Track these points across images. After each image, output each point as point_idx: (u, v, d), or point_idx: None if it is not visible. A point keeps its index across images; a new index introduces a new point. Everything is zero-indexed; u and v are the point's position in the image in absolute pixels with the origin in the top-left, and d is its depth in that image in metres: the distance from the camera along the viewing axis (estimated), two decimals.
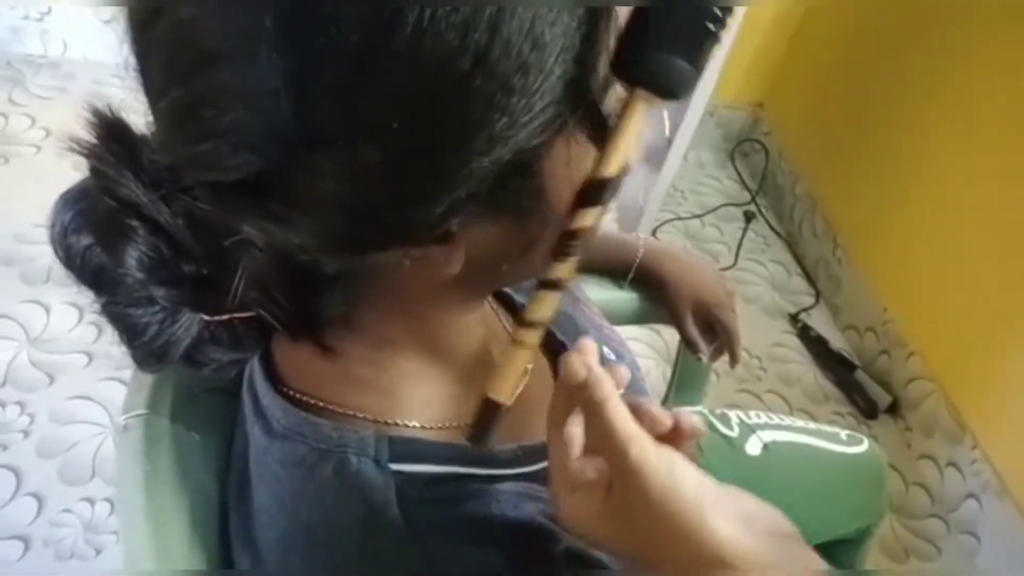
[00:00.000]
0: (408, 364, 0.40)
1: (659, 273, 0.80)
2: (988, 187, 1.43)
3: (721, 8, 0.29)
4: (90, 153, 0.32)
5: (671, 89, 0.30)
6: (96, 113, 0.33)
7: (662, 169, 1.65)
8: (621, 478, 0.32)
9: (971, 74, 1.50)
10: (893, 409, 1.58)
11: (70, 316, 1.40)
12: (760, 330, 1.74)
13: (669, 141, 1.62)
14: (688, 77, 0.30)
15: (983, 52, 1.47)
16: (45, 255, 1.50)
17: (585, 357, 0.35)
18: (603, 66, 0.31)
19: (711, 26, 0.29)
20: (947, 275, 1.52)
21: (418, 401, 0.40)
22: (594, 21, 0.28)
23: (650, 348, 1.60)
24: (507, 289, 0.54)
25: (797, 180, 2.01)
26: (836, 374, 1.65)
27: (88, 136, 0.33)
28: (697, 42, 0.29)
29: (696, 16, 0.29)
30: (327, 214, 0.28)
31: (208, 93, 0.26)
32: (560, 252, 0.32)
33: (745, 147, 2.24)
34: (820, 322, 1.78)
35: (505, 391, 0.33)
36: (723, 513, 0.31)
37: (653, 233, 1.92)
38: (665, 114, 1.69)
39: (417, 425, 0.39)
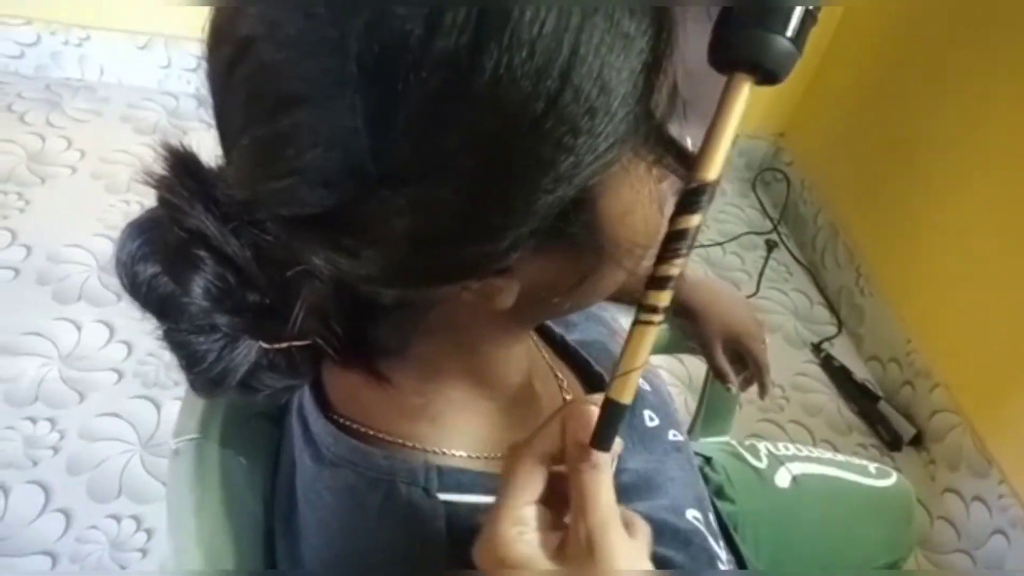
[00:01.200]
0: (456, 394, 0.41)
1: (689, 303, 0.80)
2: (1014, 215, 1.43)
3: None
4: (161, 185, 0.34)
5: (773, 69, 0.28)
6: (168, 147, 0.34)
7: None
8: (581, 548, 0.31)
9: (994, 101, 1.50)
10: (917, 441, 1.57)
11: (101, 334, 1.43)
12: (783, 360, 1.73)
13: None
14: (790, 56, 0.28)
15: (1009, 78, 1.47)
16: (77, 274, 1.53)
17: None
18: (666, 101, 0.32)
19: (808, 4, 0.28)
20: (972, 306, 1.51)
21: (465, 431, 0.41)
22: (658, 61, 0.29)
23: (671, 375, 1.59)
24: (548, 322, 0.54)
25: (819, 210, 2.01)
26: (859, 405, 1.64)
27: (159, 169, 0.34)
28: (795, 19, 0.28)
29: None
30: (396, 248, 0.29)
31: (290, 132, 0.27)
32: (666, 254, 0.30)
33: (767, 176, 2.25)
34: (843, 352, 1.77)
35: (627, 394, 0.32)
36: None
37: None
38: (688, 142, 1.71)
39: (464, 455, 0.40)
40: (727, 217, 2.13)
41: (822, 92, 2.09)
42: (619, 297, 0.59)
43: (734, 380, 0.81)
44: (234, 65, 0.28)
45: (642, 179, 0.32)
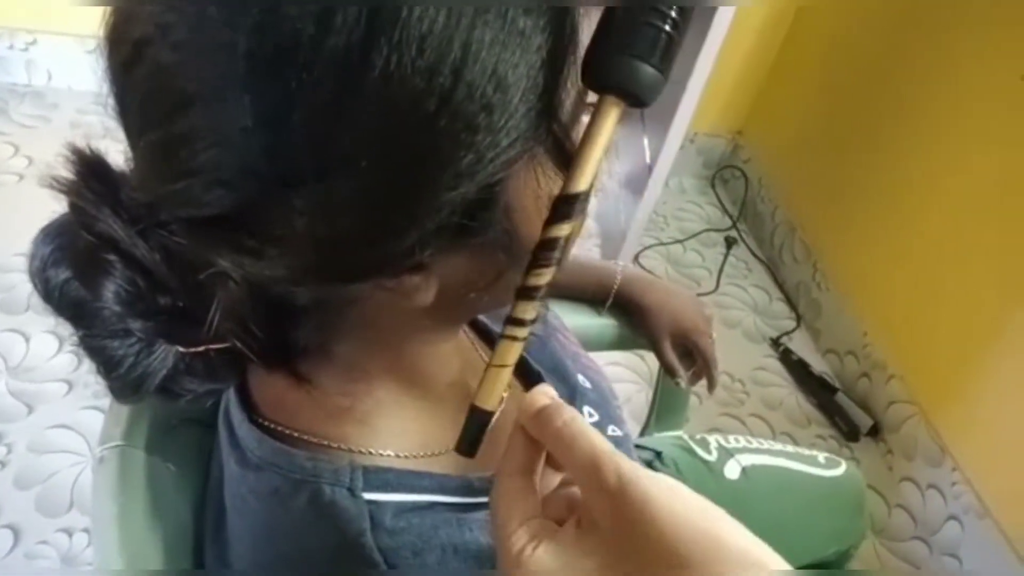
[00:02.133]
0: (383, 394, 0.40)
1: (638, 300, 0.81)
2: (966, 210, 1.46)
3: (681, 12, 0.29)
4: (69, 190, 0.33)
5: (639, 94, 0.30)
6: (76, 151, 0.34)
7: (644, 195, 1.68)
8: (607, 500, 0.28)
9: (946, 99, 1.54)
10: (874, 432, 1.60)
11: (50, 345, 1.39)
12: (742, 354, 1.76)
13: (650, 168, 1.64)
14: (655, 82, 0.30)
15: (958, 76, 1.51)
16: (25, 284, 1.48)
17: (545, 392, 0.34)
18: (570, 97, 0.32)
19: (674, 30, 0.29)
20: (926, 298, 1.54)
21: (393, 431, 0.41)
22: (558, 57, 0.30)
23: (633, 372, 1.61)
24: (483, 319, 0.54)
25: (777, 207, 2.04)
26: (818, 397, 1.67)
27: (68, 173, 0.33)
28: (663, 46, 0.29)
29: (660, 20, 0.29)
30: (299, 247, 0.29)
31: (184, 134, 0.27)
32: (536, 263, 0.31)
33: (725, 174, 2.28)
34: (801, 346, 1.80)
35: (491, 400, 0.33)
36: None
37: (636, 258, 1.94)
38: (646, 141, 1.72)
39: (392, 454, 0.40)
40: (687, 215, 2.15)
41: (778, 90, 2.12)
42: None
43: (683, 375, 0.82)
44: (129, 67, 0.28)
45: (549, 176, 0.32)
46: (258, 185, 0.27)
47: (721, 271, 1.97)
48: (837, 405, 1.63)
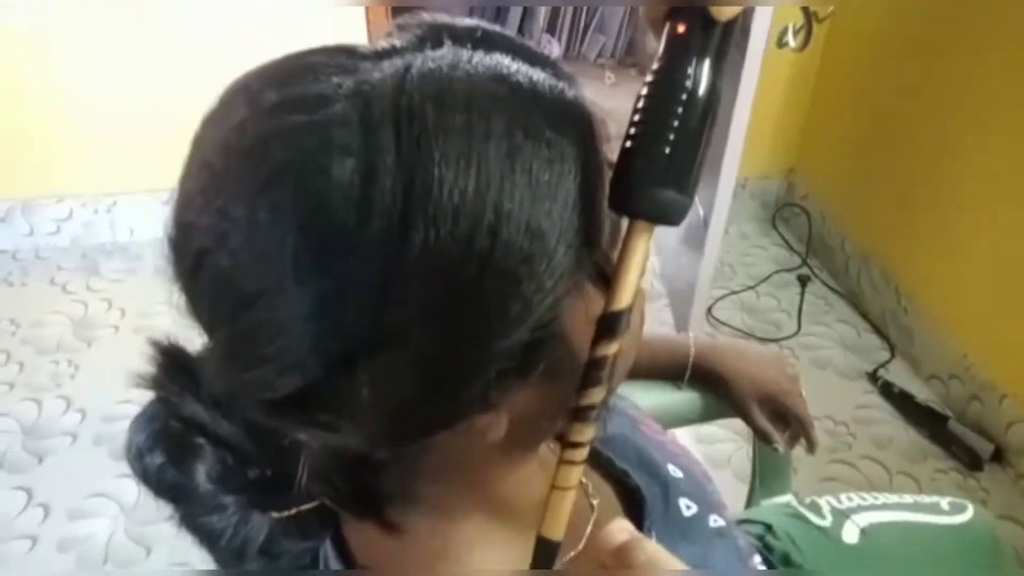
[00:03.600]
0: (473, 529, 0.41)
1: (717, 369, 0.79)
2: None
3: (701, 136, 0.30)
4: (153, 383, 0.36)
5: (667, 219, 0.31)
6: (155, 344, 0.36)
7: (705, 248, 1.66)
8: None
9: (999, 97, 1.48)
10: (999, 457, 1.49)
11: None
12: (840, 394, 1.68)
13: (705, 220, 1.63)
14: (681, 206, 0.31)
15: (1011, 72, 1.45)
16: None
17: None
18: (608, 221, 0.33)
19: (694, 154, 0.31)
20: (1020, 307, 1.45)
21: (488, 564, 0.41)
22: (589, 197, 0.31)
23: (730, 431, 1.55)
24: None
25: (845, 238, 1.99)
26: (929, 428, 1.57)
27: (150, 367, 0.36)
28: (685, 173, 0.31)
29: (683, 150, 0.30)
30: (369, 416, 0.30)
31: (250, 328, 0.29)
32: (587, 382, 0.32)
33: (785, 212, 2.24)
34: (901, 376, 1.71)
35: (557, 529, 0.33)
36: None
37: (709, 311, 1.90)
38: (697, 197, 1.72)
39: None
40: (753, 260, 2.11)
41: (823, 120, 2.09)
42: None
43: (779, 439, 0.79)
44: (194, 274, 0.30)
45: (596, 295, 0.33)
46: (323, 365, 0.29)
47: (800, 311, 1.91)
48: (951, 434, 1.53)
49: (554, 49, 3.32)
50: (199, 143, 0.31)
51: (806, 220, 2.13)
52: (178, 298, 0.32)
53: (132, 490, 1.45)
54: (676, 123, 0.30)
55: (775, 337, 1.84)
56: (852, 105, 1.97)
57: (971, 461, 1.49)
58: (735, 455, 1.51)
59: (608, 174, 0.32)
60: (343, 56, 0.31)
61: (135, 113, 1.98)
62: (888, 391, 1.66)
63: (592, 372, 0.32)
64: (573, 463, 0.32)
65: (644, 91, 0.31)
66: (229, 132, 0.30)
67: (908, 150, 1.76)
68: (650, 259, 0.35)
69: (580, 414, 0.32)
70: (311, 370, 0.29)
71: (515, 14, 3.28)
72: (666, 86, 0.31)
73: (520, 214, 0.28)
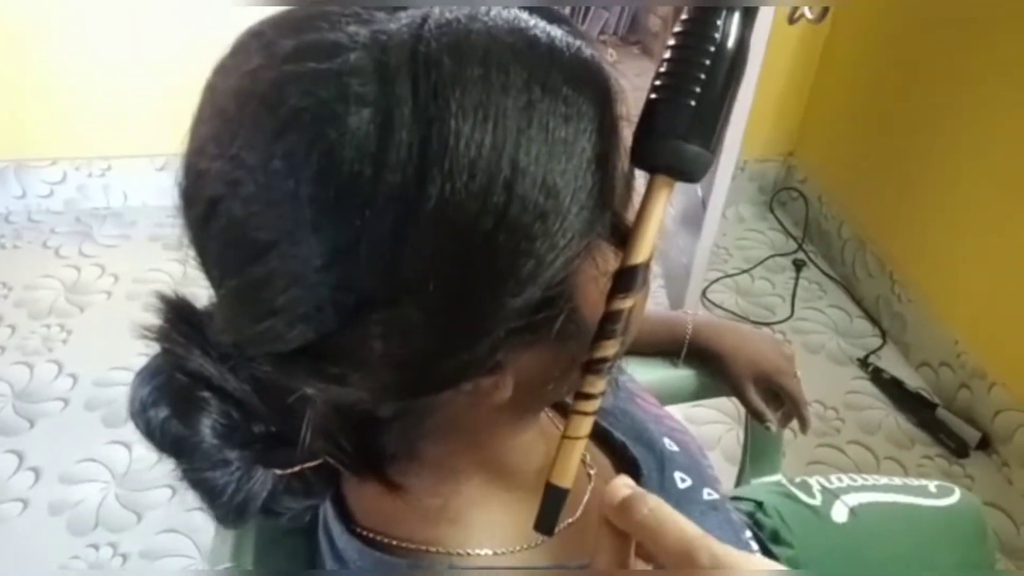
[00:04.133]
0: (473, 491, 0.41)
1: (714, 347, 0.79)
2: None
3: (727, 90, 0.30)
4: (159, 335, 0.35)
5: (690, 173, 0.31)
6: (162, 297, 0.36)
7: (702, 230, 1.66)
8: None
9: (1003, 84, 1.48)
10: (985, 445, 1.50)
11: (151, 452, 1.45)
12: (831, 379, 1.69)
13: (704, 201, 1.63)
14: (704, 160, 0.31)
15: (1006, 68, 1.45)
16: (124, 395, 1.57)
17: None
18: (621, 182, 0.33)
19: (719, 108, 0.30)
20: (1012, 297, 1.46)
21: (487, 527, 0.41)
22: (604, 155, 0.31)
23: (720, 412, 1.57)
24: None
25: (842, 223, 1.99)
26: (918, 415, 1.58)
27: (157, 319, 0.36)
28: (710, 128, 0.30)
29: (709, 104, 0.30)
30: (379, 369, 0.30)
31: (262, 278, 0.29)
32: (601, 335, 0.32)
33: (783, 196, 2.24)
34: (891, 363, 1.72)
35: (567, 476, 0.33)
36: None
37: (704, 293, 1.91)
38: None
39: (489, 552, 0.40)
40: (749, 243, 2.12)
41: (824, 105, 2.09)
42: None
43: (772, 418, 0.79)
44: (205, 222, 0.30)
45: (608, 258, 0.33)
46: (335, 317, 0.29)
47: (794, 296, 1.92)
48: (939, 421, 1.55)
49: None
50: (211, 90, 0.31)
51: (803, 204, 2.13)
52: (186, 250, 0.32)
53: (124, 456, 1.45)
54: (703, 76, 0.30)
55: (768, 321, 1.85)
56: (852, 92, 1.97)
57: (958, 448, 1.51)
58: (725, 436, 1.53)
59: (624, 135, 0.32)
60: (358, 5, 0.30)
61: (132, 76, 1.95)
62: (878, 377, 1.67)
63: (607, 325, 0.32)
64: (585, 413, 0.32)
65: (672, 42, 0.31)
66: (242, 79, 0.29)
67: (907, 139, 1.76)
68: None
69: (593, 366, 0.32)
70: (323, 322, 0.29)
71: None
72: (695, 38, 0.30)
73: (536, 170, 0.28)
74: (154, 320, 0.36)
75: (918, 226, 1.73)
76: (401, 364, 0.30)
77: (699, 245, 1.68)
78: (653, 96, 0.31)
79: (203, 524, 1.34)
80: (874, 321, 1.84)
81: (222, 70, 0.31)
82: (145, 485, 1.40)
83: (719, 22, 0.30)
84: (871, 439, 1.56)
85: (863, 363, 1.72)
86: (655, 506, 0.31)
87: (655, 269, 1.97)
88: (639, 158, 0.32)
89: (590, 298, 0.33)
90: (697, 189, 1.67)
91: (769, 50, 1.43)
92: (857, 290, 1.92)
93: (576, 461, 0.33)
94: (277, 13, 0.31)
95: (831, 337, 1.81)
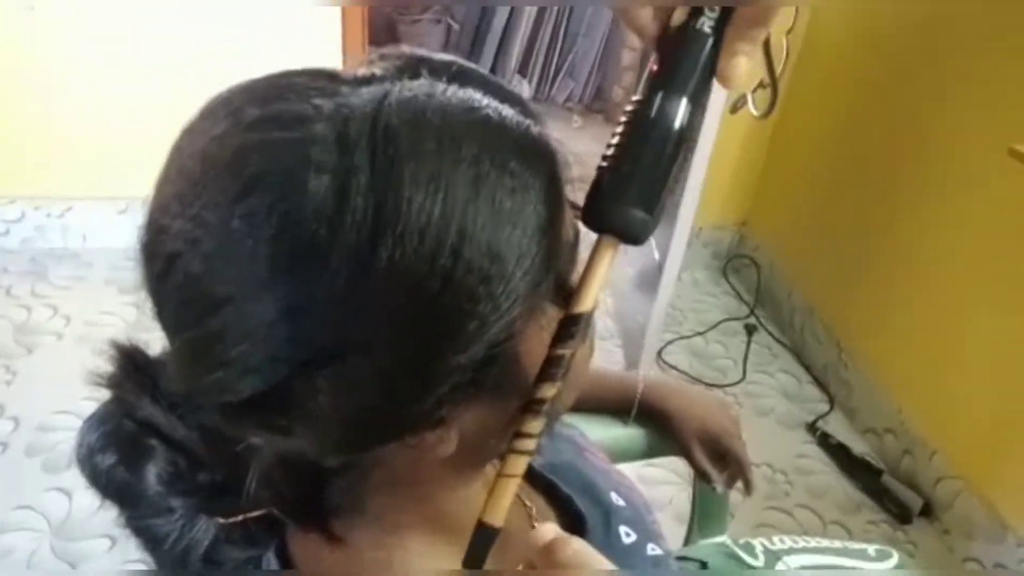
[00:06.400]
0: (416, 544, 0.42)
1: (662, 407, 0.81)
2: (982, 273, 1.46)
3: (671, 165, 0.33)
4: (111, 383, 0.36)
5: (633, 237, 0.34)
6: (115, 345, 0.37)
7: (658, 292, 1.70)
8: None
9: (955, 162, 1.56)
10: (927, 511, 1.54)
11: (92, 500, 1.40)
12: (780, 443, 1.72)
13: (660, 265, 1.68)
14: (647, 225, 0.34)
15: (961, 141, 1.53)
16: (66, 442, 1.53)
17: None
18: (567, 246, 0.35)
19: (663, 180, 0.33)
20: (954, 367, 1.52)
21: None
22: (549, 225, 0.33)
23: (671, 472, 1.58)
24: None
25: (791, 291, 2.06)
26: (863, 480, 1.62)
27: (109, 366, 0.37)
28: (653, 196, 0.33)
29: (653, 175, 0.33)
30: (324, 422, 0.31)
31: (216, 332, 0.30)
32: (541, 378, 0.34)
33: (736, 263, 2.31)
34: (839, 428, 1.77)
35: (498, 515, 0.34)
36: None
37: (659, 354, 1.94)
38: (653, 241, 1.77)
39: None
40: (704, 307, 2.17)
41: (776, 177, 2.18)
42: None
43: (717, 479, 0.81)
44: (164, 277, 0.31)
45: (553, 321, 0.35)
46: (284, 370, 0.30)
47: (746, 360, 1.97)
48: (884, 487, 1.58)
49: (524, 90, 3.39)
50: (178, 151, 0.32)
51: (755, 271, 2.20)
52: (141, 294, 0.33)
53: (63, 504, 1.40)
54: (649, 149, 0.33)
55: (721, 383, 1.88)
56: (804, 166, 2.06)
57: (901, 514, 1.54)
58: (676, 496, 1.54)
59: (567, 207, 0.34)
60: (324, 79, 0.32)
61: (98, 119, 1.95)
62: (826, 442, 1.71)
63: (548, 369, 0.34)
64: (521, 452, 0.34)
65: (624, 118, 0.34)
66: (209, 142, 0.31)
67: (856, 212, 1.84)
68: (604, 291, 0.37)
69: (532, 407, 0.34)
70: (272, 374, 0.30)
71: (488, 54, 3.35)
72: (642, 116, 0.33)
73: (482, 237, 0.30)
74: (106, 366, 0.36)
75: (865, 296, 1.80)
76: (347, 418, 0.31)
77: (655, 306, 1.72)
78: (603, 164, 0.34)
79: None
80: (822, 387, 1.89)
81: (190, 132, 0.33)
82: (83, 535, 1.35)
83: (668, 104, 0.33)
84: (818, 503, 1.58)
85: (811, 428, 1.76)
86: (579, 548, 0.32)
87: (612, 327, 2.01)
88: (587, 220, 0.34)
89: (533, 356, 0.35)
90: (654, 253, 1.72)
91: (723, 123, 1.50)
92: (806, 356, 1.98)
93: (509, 500, 0.34)
94: (246, 81, 0.33)
95: (781, 401, 1.85)
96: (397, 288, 0.29)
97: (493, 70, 3.40)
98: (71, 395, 1.62)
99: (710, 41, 0.33)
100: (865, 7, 1.81)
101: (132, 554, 1.20)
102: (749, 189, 2.25)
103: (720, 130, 1.49)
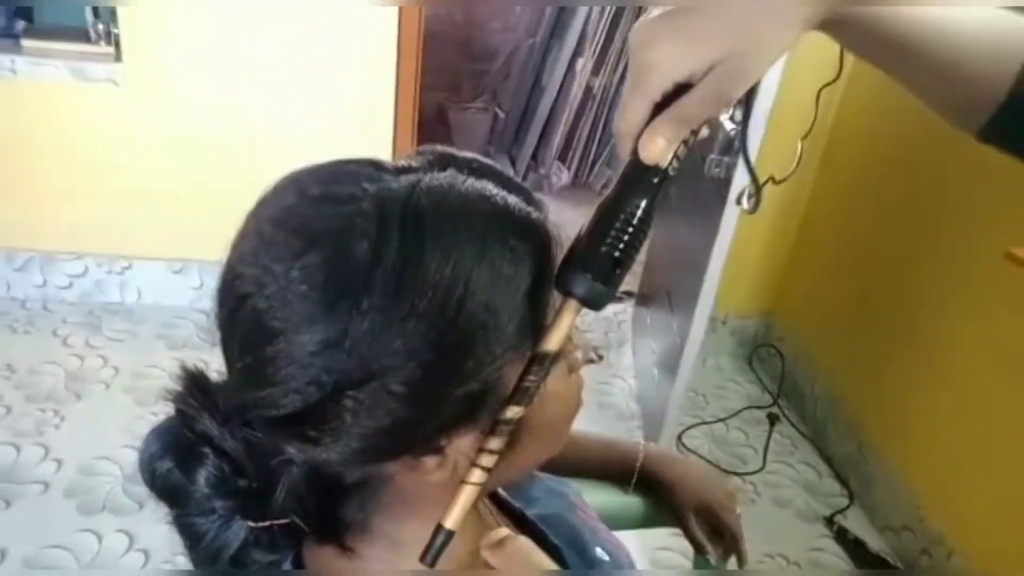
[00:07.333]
0: (414, 561, 0.48)
1: (661, 477, 0.86)
2: (1004, 373, 1.48)
3: (629, 249, 0.41)
4: (177, 398, 0.44)
5: (592, 304, 0.41)
6: (183, 368, 0.45)
7: (677, 374, 1.75)
8: None
9: (980, 257, 1.58)
10: None
11: (121, 543, 1.48)
12: (796, 534, 1.72)
13: (680, 349, 1.73)
14: (601, 294, 0.41)
15: (991, 229, 1.55)
16: (103, 486, 1.61)
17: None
18: (551, 313, 0.43)
19: (620, 260, 0.41)
20: (974, 467, 1.52)
21: None
22: (538, 290, 0.41)
23: (683, 556, 1.58)
24: (502, 493, 0.62)
25: (816, 382, 2.08)
26: None
27: (176, 386, 0.45)
28: (613, 269, 0.41)
29: (615, 248, 0.41)
30: (347, 435, 0.39)
31: (270, 357, 0.38)
32: (508, 401, 0.41)
33: (761, 352, 2.34)
34: (857, 523, 1.76)
35: (452, 520, 0.41)
36: None
37: (679, 438, 1.97)
38: (675, 325, 1.83)
39: None
40: (727, 394, 2.20)
41: (803, 269, 2.24)
42: (555, 465, 0.67)
43: (711, 550, 0.85)
44: (234, 312, 0.40)
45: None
46: (319, 391, 0.38)
47: (767, 449, 1.98)
48: None
49: (563, 177, 3.54)
50: (254, 215, 0.42)
51: (780, 361, 2.23)
52: (214, 331, 0.42)
53: (92, 545, 1.47)
54: (611, 235, 0.41)
55: (740, 471, 1.90)
56: (833, 257, 2.12)
57: None
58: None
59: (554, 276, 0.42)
60: (372, 168, 0.42)
61: (161, 183, 2.11)
62: (843, 537, 1.70)
63: (514, 396, 0.41)
64: (483, 468, 0.41)
65: (596, 208, 0.42)
66: (279, 210, 0.41)
67: (881, 307, 1.88)
68: (584, 341, 0.45)
69: (497, 427, 0.41)
70: (309, 394, 0.38)
71: (531, 141, 3.53)
72: (612, 210, 0.41)
73: (482, 295, 0.38)
74: (174, 386, 0.45)
75: (888, 391, 1.82)
76: (365, 433, 0.39)
77: (674, 390, 1.77)
78: (574, 243, 0.42)
79: None
80: (842, 480, 1.89)
81: (264, 202, 0.42)
82: None
83: (632, 202, 0.41)
84: None
85: (829, 521, 1.75)
86: (522, 544, 0.38)
87: (635, 408, 2.04)
88: (556, 284, 0.42)
89: None
90: (676, 338, 1.78)
91: (750, 216, 1.58)
92: (827, 448, 1.98)
93: (468, 506, 0.41)
94: (311, 166, 0.43)
95: (799, 493, 1.85)
96: (412, 330, 0.37)
97: (535, 157, 3.57)
98: (112, 441, 1.72)
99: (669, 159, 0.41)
100: (889, 102, 1.90)
101: None
102: (775, 279, 2.31)
103: (748, 222, 1.56)
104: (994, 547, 1.46)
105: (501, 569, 0.39)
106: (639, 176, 0.42)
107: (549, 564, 0.37)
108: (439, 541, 0.41)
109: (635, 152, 0.42)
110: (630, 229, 0.41)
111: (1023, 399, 1.43)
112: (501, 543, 0.39)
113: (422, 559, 0.41)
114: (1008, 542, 1.43)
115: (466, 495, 0.41)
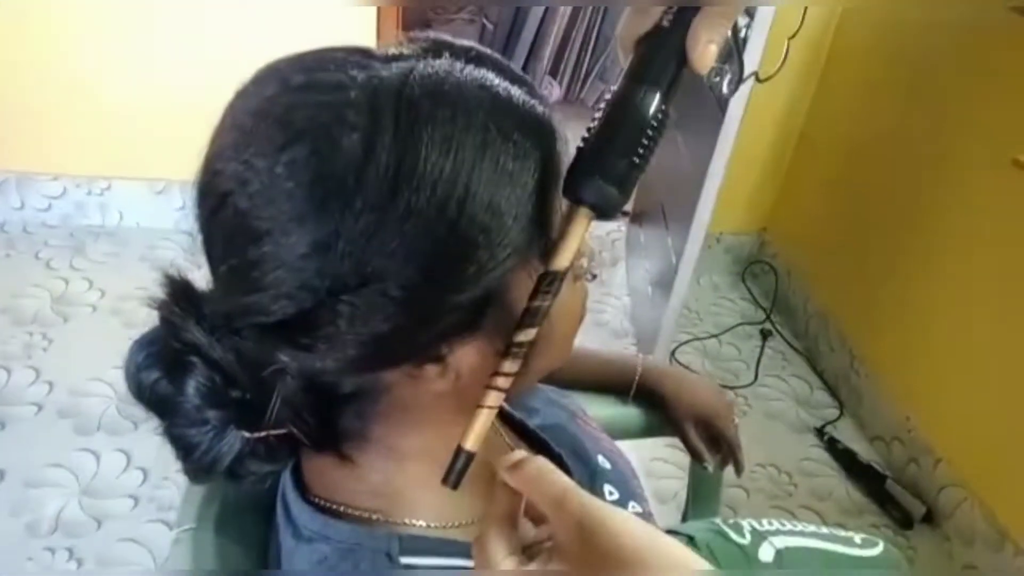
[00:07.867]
0: (414, 471, 0.47)
1: (659, 389, 0.86)
2: (994, 286, 1.48)
3: (644, 148, 0.37)
4: (162, 307, 0.42)
5: (604, 210, 0.37)
6: (167, 276, 0.43)
7: (671, 292, 1.74)
8: (573, 522, 0.33)
9: (972, 172, 1.57)
10: (929, 518, 1.56)
11: (119, 462, 1.48)
12: (787, 445, 1.75)
13: (675, 267, 1.71)
14: (618, 201, 0.37)
15: (985, 144, 1.53)
16: (97, 406, 1.61)
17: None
18: (558, 211, 0.40)
19: (635, 161, 0.37)
20: (965, 378, 1.54)
21: (424, 503, 0.46)
22: (544, 189, 0.38)
23: (679, 468, 1.61)
24: (506, 407, 0.61)
25: (808, 298, 2.08)
26: (867, 486, 1.64)
27: (160, 293, 0.42)
28: (627, 174, 0.37)
29: (627, 151, 0.37)
30: (342, 343, 0.37)
31: (256, 260, 0.36)
32: (520, 324, 0.38)
33: (755, 269, 2.33)
34: (847, 434, 1.79)
35: (474, 441, 0.39)
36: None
37: (672, 353, 1.98)
38: (670, 241, 1.81)
39: (424, 524, 0.46)
40: (721, 310, 2.20)
41: (798, 186, 2.20)
42: (555, 379, 0.66)
43: (709, 459, 0.85)
44: (215, 212, 0.37)
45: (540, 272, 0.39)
46: (311, 296, 0.36)
47: (759, 363, 2.00)
48: (887, 493, 1.60)
49: (555, 92, 3.44)
50: (232, 108, 0.38)
51: (773, 278, 2.23)
52: (194, 232, 0.39)
53: (90, 465, 1.48)
54: (622, 132, 0.37)
55: (732, 385, 1.91)
56: (827, 175, 2.09)
57: (903, 520, 1.56)
58: (681, 492, 1.57)
59: (562, 176, 0.39)
60: (360, 55, 0.38)
61: (140, 101, 2.03)
62: (833, 447, 1.73)
63: (526, 318, 0.38)
64: (498, 389, 0.39)
65: (603, 104, 0.38)
66: (260, 101, 0.37)
67: (875, 223, 1.86)
68: (590, 249, 0.42)
69: (510, 350, 0.38)
70: (301, 300, 0.36)
71: (520, 54, 3.41)
72: (618, 102, 0.37)
73: (484, 194, 0.35)
74: (158, 294, 0.42)
75: (879, 306, 1.82)
76: (361, 340, 0.37)
77: (668, 307, 1.76)
78: (581, 144, 0.38)
79: (160, 537, 1.36)
80: (833, 393, 1.91)
81: (243, 94, 0.38)
82: (109, 494, 1.42)
83: (642, 95, 0.37)
84: (821, 505, 1.61)
85: (819, 432, 1.78)
86: (541, 464, 0.37)
87: (628, 327, 2.04)
88: (568, 190, 0.38)
89: (521, 305, 0.40)
90: (671, 256, 1.76)
91: (746, 131, 1.53)
92: (819, 362, 2.00)
93: (485, 429, 0.39)
94: (294, 54, 0.39)
95: (791, 406, 1.88)
96: (410, 231, 0.34)
97: (524, 70, 3.44)
98: (102, 363, 1.70)
99: (675, 36, 0.36)
100: (892, 10, 1.83)
101: (153, 514, 1.27)
102: (770, 196, 2.28)
103: (744, 137, 1.52)
104: (979, 455, 1.49)
105: (521, 490, 0.37)
106: (652, 71, 0.37)
107: (567, 481, 0.36)
108: (460, 463, 0.39)
109: (638, 50, 0.38)
110: (648, 129, 0.37)
111: (1010, 310, 1.43)
112: (518, 465, 0.37)
113: (444, 481, 0.39)
114: (992, 451, 1.46)
115: (484, 417, 0.39)
